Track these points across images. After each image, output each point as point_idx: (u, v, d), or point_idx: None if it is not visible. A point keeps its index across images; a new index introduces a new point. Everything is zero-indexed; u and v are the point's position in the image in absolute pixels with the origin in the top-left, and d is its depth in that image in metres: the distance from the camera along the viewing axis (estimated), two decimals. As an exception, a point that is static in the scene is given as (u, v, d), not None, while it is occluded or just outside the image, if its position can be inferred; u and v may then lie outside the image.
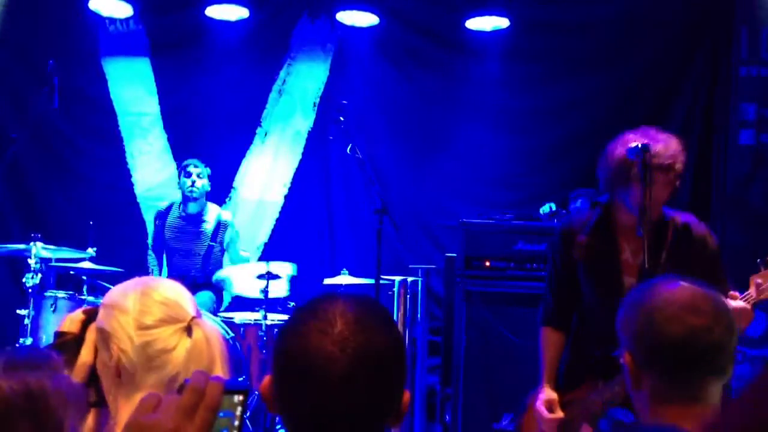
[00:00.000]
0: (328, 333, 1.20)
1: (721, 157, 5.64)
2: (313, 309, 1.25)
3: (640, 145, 2.68)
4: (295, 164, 6.48)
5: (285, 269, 5.18)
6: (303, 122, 6.50)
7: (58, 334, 1.74)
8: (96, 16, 6.25)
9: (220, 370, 1.64)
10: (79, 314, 1.75)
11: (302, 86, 6.51)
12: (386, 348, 1.22)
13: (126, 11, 6.13)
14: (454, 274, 4.74)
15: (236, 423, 0.92)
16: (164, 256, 5.57)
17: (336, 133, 4.64)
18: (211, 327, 1.67)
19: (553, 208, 4.95)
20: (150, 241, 5.72)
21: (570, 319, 2.94)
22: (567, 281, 2.90)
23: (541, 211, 4.97)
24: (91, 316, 1.72)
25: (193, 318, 1.65)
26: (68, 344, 1.70)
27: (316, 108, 6.48)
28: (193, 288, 5.26)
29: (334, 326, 1.21)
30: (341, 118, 4.61)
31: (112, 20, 6.39)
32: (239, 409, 0.93)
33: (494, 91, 6.16)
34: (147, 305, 1.64)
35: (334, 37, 6.46)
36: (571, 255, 2.88)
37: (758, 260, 2.60)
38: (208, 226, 5.50)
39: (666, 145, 2.69)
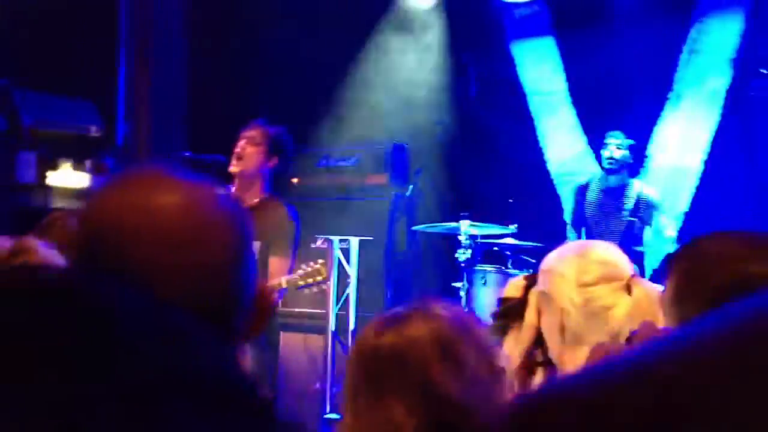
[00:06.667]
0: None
1: None
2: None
3: None
4: (713, 126, 6.09)
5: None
6: (719, 81, 6.08)
7: (502, 300, 1.88)
8: (501, 4, 6.55)
9: (662, 328, 1.64)
10: (520, 280, 1.87)
11: (715, 42, 6.09)
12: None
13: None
14: None
15: None
16: (583, 231, 5.63)
17: (758, 86, 4.28)
18: (651, 285, 1.68)
19: None
20: (568, 216, 5.83)
21: None
22: None
23: None
24: (531, 282, 1.83)
25: (632, 276, 1.68)
26: (512, 308, 1.83)
27: (732, 64, 6.02)
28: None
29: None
30: (763, 70, 4.23)
31: (517, 5, 6.64)
32: None
33: None
34: (584, 265, 1.70)
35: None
36: None
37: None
38: (629, 201, 5.40)
39: None
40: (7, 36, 5.28)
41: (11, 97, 4.77)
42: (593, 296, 1.67)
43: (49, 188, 5.01)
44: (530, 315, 1.79)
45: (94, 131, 5.39)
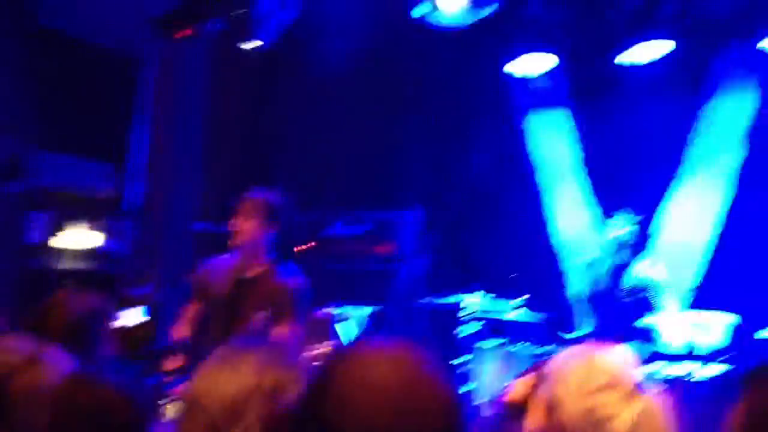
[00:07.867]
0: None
1: None
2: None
3: None
4: (726, 203, 6.07)
5: (719, 319, 4.85)
6: (731, 158, 6.08)
7: (507, 403, 1.86)
8: (512, 78, 6.59)
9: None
10: (528, 379, 1.84)
11: (729, 120, 6.12)
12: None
13: (548, 64, 6.24)
14: None
15: None
16: (588, 308, 5.58)
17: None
18: (657, 395, 1.64)
19: None
20: (573, 290, 5.76)
21: None
22: None
23: None
24: (538, 381, 1.80)
25: (638, 386, 1.65)
26: (515, 409, 1.81)
27: (744, 141, 6.03)
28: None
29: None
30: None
31: (532, 78, 6.62)
32: None
33: None
34: (589, 372, 1.67)
35: (761, 65, 5.98)
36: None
37: None
38: (631, 282, 5.32)
39: None
40: (26, 98, 5.36)
41: (24, 161, 4.83)
42: (597, 404, 1.64)
43: (59, 250, 5.02)
44: (535, 417, 1.76)
45: (107, 193, 5.43)
